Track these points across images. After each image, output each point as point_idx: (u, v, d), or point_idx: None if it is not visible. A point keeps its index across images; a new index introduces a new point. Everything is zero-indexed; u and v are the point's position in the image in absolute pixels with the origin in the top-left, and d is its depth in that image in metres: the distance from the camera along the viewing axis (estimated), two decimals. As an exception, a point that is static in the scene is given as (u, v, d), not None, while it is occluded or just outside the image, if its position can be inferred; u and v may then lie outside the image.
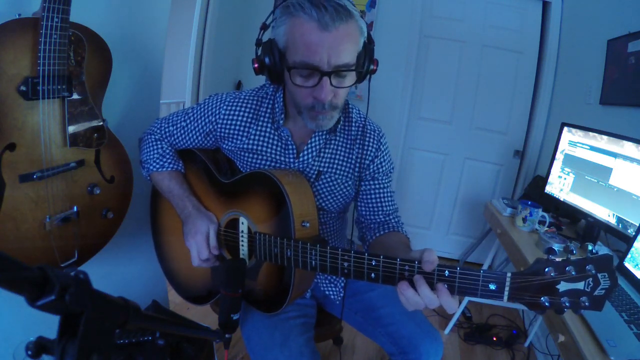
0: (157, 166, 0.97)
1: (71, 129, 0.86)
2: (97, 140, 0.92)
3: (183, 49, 2.38)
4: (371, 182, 0.97)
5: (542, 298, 0.58)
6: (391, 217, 0.99)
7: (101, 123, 0.92)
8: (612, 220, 1.27)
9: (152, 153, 0.98)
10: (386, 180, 0.99)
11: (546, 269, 0.58)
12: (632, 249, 1.10)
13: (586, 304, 0.57)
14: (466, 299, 1.92)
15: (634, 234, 1.12)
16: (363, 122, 0.96)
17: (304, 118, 0.82)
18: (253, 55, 0.82)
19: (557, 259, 0.58)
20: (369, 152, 0.95)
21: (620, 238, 1.25)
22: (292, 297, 0.85)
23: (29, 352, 0.35)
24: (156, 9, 1.17)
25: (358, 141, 0.95)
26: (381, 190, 0.98)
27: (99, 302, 0.37)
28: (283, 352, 0.84)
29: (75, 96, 0.86)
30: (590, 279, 0.57)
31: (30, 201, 0.83)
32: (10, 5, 0.80)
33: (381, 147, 0.97)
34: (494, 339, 1.88)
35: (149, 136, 1.00)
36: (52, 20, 0.75)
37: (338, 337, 1.71)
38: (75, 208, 0.90)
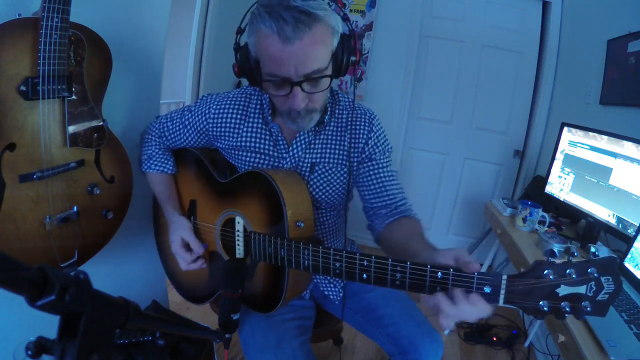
0: (146, 167, 1.04)
1: (71, 129, 0.86)
2: (97, 140, 0.92)
3: (183, 49, 2.38)
4: (369, 164, 0.94)
5: (540, 302, 0.56)
6: (398, 199, 0.94)
7: (101, 123, 0.92)
8: (612, 220, 1.27)
9: (143, 154, 1.04)
10: (385, 160, 0.95)
11: (545, 272, 0.55)
12: (632, 249, 1.10)
13: (588, 309, 0.54)
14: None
15: (634, 234, 1.12)
16: (351, 108, 0.93)
17: (284, 120, 0.84)
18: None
19: (558, 261, 0.55)
20: (361, 136, 0.92)
21: (620, 238, 1.25)
22: (286, 298, 0.84)
23: (29, 352, 0.35)
24: (156, 9, 1.16)
25: (349, 127, 0.93)
26: (381, 170, 0.94)
27: (99, 302, 0.37)
28: (276, 355, 0.84)
29: (75, 96, 0.86)
30: (593, 282, 0.54)
31: (30, 201, 0.82)
32: (10, 5, 0.80)
33: (373, 128, 0.93)
34: (494, 339, 1.88)
35: (146, 135, 1.05)
36: (52, 20, 0.75)
37: (338, 337, 1.71)
38: (75, 208, 0.90)
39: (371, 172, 0.94)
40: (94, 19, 0.88)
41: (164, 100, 1.23)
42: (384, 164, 0.95)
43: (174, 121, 1.00)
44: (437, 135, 2.63)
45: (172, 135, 1.01)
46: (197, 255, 0.94)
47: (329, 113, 0.91)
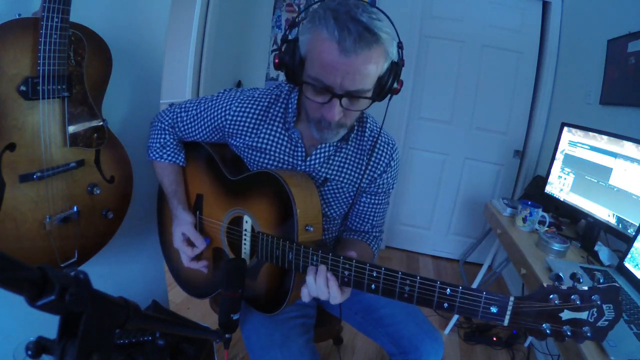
0: (157, 155, 1.00)
1: (71, 129, 0.86)
2: (97, 140, 0.92)
3: (183, 49, 2.38)
4: (372, 197, 0.98)
5: (543, 325, 0.58)
6: (375, 229, 1.02)
7: (101, 123, 0.92)
8: (612, 220, 1.27)
9: (154, 141, 1.01)
10: (385, 198, 1.00)
11: (551, 296, 0.57)
12: (632, 249, 1.10)
13: (588, 334, 0.56)
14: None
15: (634, 234, 1.12)
16: (376, 136, 0.93)
17: (311, 126, 0.83)
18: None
19: (564, 287, 0.57)
20: (379, 165, 0.94)
21: (620, 238, 1.25)
22: (290, 300, 0.84)
23: (29, 352, 0.35)
24: (156, 9, 1.16)
25: (371, 154, 0.93)
26: (378, 206, 1.00)
27: (99, 302, 0.37)
28: (282, 353, 0.84)
29: (75, 96, 0.86)
30: (595, 309, 0.56)
31: (30, 201, 0.82)
32: (10, 5, 0.80)
33: (392, 162, 0.95)
34: (494, 339, 1.88)
35: (157, 123, 1.02)
36: (52, 20, 0.75)
37: (338, 337, 1.71)
38: (75, 208, 0.90)
39: (368, 205, 0.99)
40: (94, 19, 0.88)
41: (164, 100, 1.22)
42: (383, 201, 1.00)
43: (189, 112, 0.97)
44: (437, 135, 2.64)
45: (185, 127, 0.98)
46: (200, 250, 0.94)
47: (354, 131, 0.91)
